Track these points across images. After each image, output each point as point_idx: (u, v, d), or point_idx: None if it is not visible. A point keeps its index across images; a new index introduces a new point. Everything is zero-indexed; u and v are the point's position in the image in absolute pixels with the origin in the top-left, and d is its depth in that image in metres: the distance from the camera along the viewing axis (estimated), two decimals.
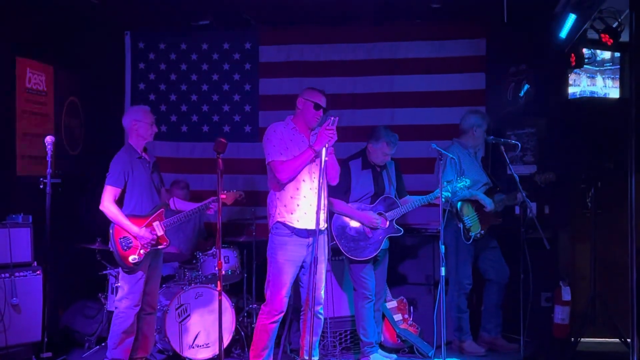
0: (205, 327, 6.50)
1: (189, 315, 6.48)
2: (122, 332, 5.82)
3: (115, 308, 5.91)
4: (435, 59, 8.08)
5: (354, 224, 6.42)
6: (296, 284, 5.76)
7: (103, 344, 6.75)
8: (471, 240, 6.70)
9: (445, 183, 6.14)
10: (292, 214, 5.55)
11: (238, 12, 7.78)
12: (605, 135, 6.96)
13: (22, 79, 7.01)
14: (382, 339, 6.87)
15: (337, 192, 6.22)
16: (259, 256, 6.99)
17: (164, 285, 6.82)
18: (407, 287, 7.45)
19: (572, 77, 7.26)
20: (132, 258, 5.75)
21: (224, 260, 6.86)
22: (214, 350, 6.43)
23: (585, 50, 6.65)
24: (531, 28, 7.32)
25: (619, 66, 7.20)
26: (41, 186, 6.16)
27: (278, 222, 5.59)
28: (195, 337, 6.47)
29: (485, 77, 7.97)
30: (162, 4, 7.47)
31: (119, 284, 6.07)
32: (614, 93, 7.21)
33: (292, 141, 5.61)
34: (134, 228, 5.76)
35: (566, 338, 6.93)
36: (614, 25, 6.34)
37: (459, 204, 6.71)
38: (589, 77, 7.10)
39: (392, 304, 6.99)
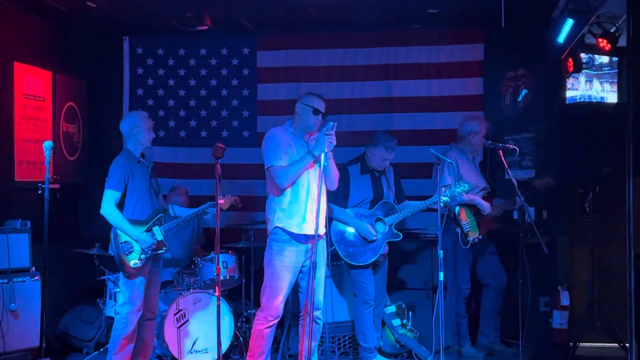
0: (204, 332, 6.50)
1: (187, 320, 6.47)
2: (123, 338, 5.78)
3: (117, 314, 5.87)
4: (433, 64, 8.08)
5: (353, 229, 6.42)
6: (295, 289, 5.76)
7: (101, 350, 6.75)
8: (469, 245, 6.70)
9: (443, 188, 6.15)
10: (291, 219, 5.55)
11: (236, 17, 7.78)
12: (603, 140, 6.97)
13: (20, 85, 7.01)
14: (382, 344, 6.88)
15: (336, 197, 6.22)
16: (258, 261, 6.98)
17: (162, 291, 6.81)
18: (406, 292, 7.45)
19: (570, 81, 7.26)
20: (133, 263, 5.74)
21: (223, 266, 6.86)
22: (212, 355, 6.42)
23: (582, 55, 6.66)
24: (529, 33, 7.34)
25: (617, 70, 7.21)
26: (39, 192, 6.16)
27: (277, 227, 5.58)
28: (194, 343, 6.46)
29: (483, 82, 7.97)
30: (160, 10, 7.47)
31: (119, 290, 6.05)
32: (612, 97, 7.21)
33: (291, 146, 5.61)
34: (135, 232, 5.75)
35: (565, 343, 6.93)
36: (612, 30, 6.35)
37: (457, 208, 6.71)
38: (587, 81, 7.11)
39: (390, 309, 6.99)
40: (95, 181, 6.15)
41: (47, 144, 5.83)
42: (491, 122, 7.21)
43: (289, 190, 5.55)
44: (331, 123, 5.37)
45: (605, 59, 7.05)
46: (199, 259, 6.91)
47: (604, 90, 7.24)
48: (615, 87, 7.27)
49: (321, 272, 5.66)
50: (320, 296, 5.69)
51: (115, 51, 8.45)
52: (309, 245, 5.55)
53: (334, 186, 5.74)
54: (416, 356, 6.79)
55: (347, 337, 6.97)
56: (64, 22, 7.65)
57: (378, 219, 6.46)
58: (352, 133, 7.87)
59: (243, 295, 7.24)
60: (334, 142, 5.38)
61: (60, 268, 7.13)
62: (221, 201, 5.67)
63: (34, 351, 6.23)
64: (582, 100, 7.09)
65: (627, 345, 5.62)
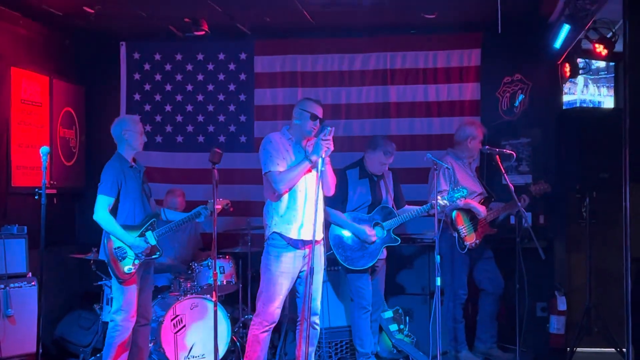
0: (201, 338, 6.49)
1: (184, 326, 6.46)
2: (118, 346, 5.74)
3: (112, 321, 5.83)
4: (430, 70, 8.09)
5: (351, 233, 6.42)
6: (292, 295, 5.75)
7: (98, 355, 6.72)
8: (466, 249, 6.70)
9: (439, 198, 6.14)
10: (288, 224, 5.55)
11: (233, 23, 7.79)
12: (600, 145, 6.98)
13: (18, 90, 7.02)
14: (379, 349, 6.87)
15: (334, 201, 6.23)
16: (255, 267, 6.98)
17: (159, 296, 6.81)
18: (403, 297, 7.45)
19: (566, 86, 7.28)
20: (127, 268, 5.72)
21: (220, 271, 6.84)
22: None
23: (579, 60, 6.68)
24: (526, 38, 7.36)
25: (613, 74, 7.23)
26: (36, 197, 6.14)
27: (274, 232, 5.58)
28: (191, 348, 6.45)
29: (480, 88, 7.99)
30: (157, 15, 7.47)
31: (113, 296, 6.03)
32: (609, 101, 7.24)
33: (288, 151, 5.61)
34: (128, 238, 5.73)
35: (562, 348, 6.93)
36: (608, 36, 6.37)
37: (454, 213, 6.71)
38: (584, 84, 7.13)
39: (388, 314, 6.99)
40: (92, 186, 6.12)
41: (44, 149, 5.81)
42: (488, 127, 7.22)
43: (286, 196, 5.55)
44: (328, 128, 5.38)
45: (602, 63, 7.08)
46: (195, 264, 6.90)
47: (600, 95, 7.26)
48: (612, 91, 7.30)
49: (319, 277, 5.66)
50: (317, 301, 5.68)
51: (112, 56, 8.44)
52: (307, 250, 5.56)
53: (331, 191, 5.74)
54: None
55: (344, 342, 6.96)
56: (61, 28, 7.66)
57: (376, 224, 6.46)
58: (350, 138, 7.89)
59: (240, 301, 7.24)
60: (331, 148, 5.39)
61: (57, 273, 7.12)
62: (219, 206, 5.67)
63: (30, 357, 6.23)
64: (579, 104, 7.12)
65: (624, 350, 5.62)
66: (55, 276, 7.09)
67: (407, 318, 7.10)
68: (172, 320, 6.41)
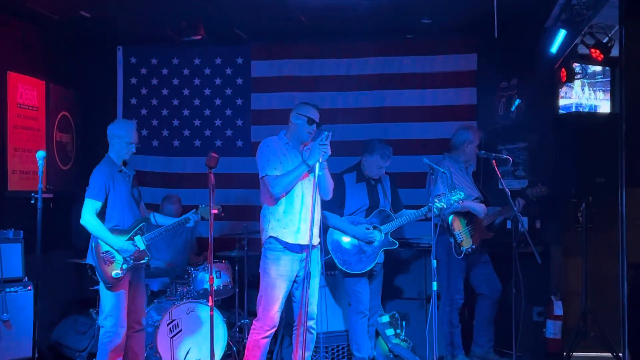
0: (197, 342, 6.48)
1: (180, 330, 6.45)
2: (110, 352, 5.72)
3: (102, 327, 5.79)
4: (426, 74, 8.11)
5: (349, 237, 6.42)
6: (289, 299, 5.75)
7: None
8: (462, 254, 6.70)
9: (436, 200, 6.14)
10: (285, 228, 5.55)
11: (230, 27, 7.79)
12: (596, 150, 6.99)
13: (14, 94, 7.00)
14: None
15: (332, 205, 6.22)
16: (251, 271, 6.98)
17: (155, 301, 6.80)
18: (399, 301, 7.44)
19: (562, 89, 7.29)
20: (114, 273, 5.68)
21: (216, 275, 6.84)
22: None
23: (575, 65, 6.70)
24: (522, 43, 7.37)
25: (609, 78, 7.24)
26: (32, 201, 6.13)
27: (271, 236, 5.58)
28: (187, 353, 6.44)
29: (477, 92, 8.01)
30: (154, 19, 7.48)
31: (101, 302, 5.91)
32: (605, 105, 7.25)
33: (285, 156, 5.61)
34: (116, 242, 5.70)
35: (558, 352, 6.93)
36: (605, 41, 6.38)
37: (450, 217, 6.71)
38: (581, 88, 7.15)
39: (384, 318, 6.98)
40: None
41: (40, 153, 5.81)
42: (484, 131, 7.24)
43: (283, 200, 5.55)
44: (326, 133, 5.39)
45: (598, 67, 7.10)
46: (192, 269, 6.89)
47: (596, 98, 7.28)
48: (608, 95, 7.31)
49: (315, 282, 5.66)
50: (314, 306, 5.68)
51: (109, 61, 8.45)
52: (304, 254, 5.55)
53: (328, 196, 5.74)
54: None
55: (341, 347, 6.95)
56: (58, 32, 7.65)
57: (374, 227, 6.45)
58: (346, 143, 7.88)
59: (237, 305, 7.23)
60: (329, 152, 5.39)
61: (53, 278, 7.10)
62: (215, 211, 5.66)
63: None
64: (575, 109, 7.13)
65: (621, 355, 5.63)
66: (51, 281, 7.06)
67: (404, 322, 7.09)
68: (168, 324, 6.40)
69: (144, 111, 8.51)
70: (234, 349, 6.80)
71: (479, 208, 6.72)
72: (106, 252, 5.71)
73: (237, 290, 7.16)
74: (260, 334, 5.60)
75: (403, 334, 7.03)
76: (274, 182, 5.50)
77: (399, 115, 8.13)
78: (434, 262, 5.61)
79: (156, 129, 8.48)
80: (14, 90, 7.00)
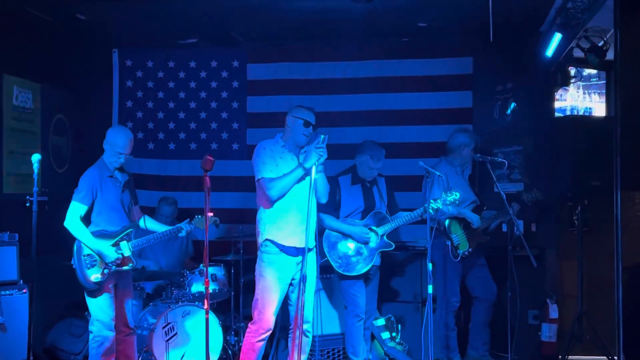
0: (193, 345, 6.47)
1: (176, 334, 6.44)
2: (100, 356, 5.70)
3: (90, 332, 5.78)
4: (422, 77, 8.12)
5: (346, 239, 6.41)
6: (284, 302, 5.74)
7: None
8: (459, 257, 6.70)
9: (432, 201, 6.14)
10: (281, 231, 5.55)
11: (226, 30, 7.80)
12: (591, 153, 7.00)
13: (9, 97, 6.99)
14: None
15: (328, 208, 6.21)
16: (247, 274, 6.97)
17: (150, 304, 6.79)
18: (395, 304, 7.44)
19: (558, 92, 7.30)
20: (94, 277, 5.65)
21: (211, 279, 6.83)
22: None
23: (571, 68, 6.71)
24: (517, 47, 7.38)
25: (604, 81, 7.26)
26: (27, 204, 6.12)
27: (267, 239, 5.58)
28: (183, 356, 6.43)
29: (472, 95, 8.01)
30: (149, 22, 7.47)
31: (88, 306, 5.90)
32: (600, 108, 7.26)
33: (281, 159, 5.61)
34: (97, 246, 5.66)
35: (554, 355, 6.94)
36: (600, 44, 6.39)
37: (447, 221, 6.72)
38: (576, 90, 7.17)
39: (380, 321, 6.98)
40: None
41: (36, 156, 5.80)
42: (480, 135, 7.24)
43: (279, 203, 5.55)
44: (322, 136, 5.38)
45: (593, 70, 7.11)
46: (187, 272, 6.88)
47: (592, 101, 7.29)
48: (603, 98, 7.33)
49: (311, 285, 5.65)
50: (309, 309, 5.68)
51: (104, 63, 8.44)
52: (300, 257, 5.55)
53: (325, 199, 5.74)
54: None
55: (337, 350, 6.95)
56: (54, 35, 7.64)
57: (370, 229, 6.45)
58: (342, 146, 7.86)
59: (232, 308, 7.22)
60: (325, 155, 5.39)
61: (48, 281, 7.05)
62: (210, 213, 5.65)
63: None
64: (570, 111, 7.14)
65: (616, 358, 5.63)
66: (46, 284, 7.01)
67: (399, 326, 7.08)
68: (163, 327, 6.39)
69: (139, 114, 8.50)
70: (230, 352, 6.79)
71: (475, 219, 6.72)
72: (87, 255, 5.69)
73: (233, 293, 7.15)
74: (255, 337, 5.59)
75: (399, 337, 7.02)
76: (270, 185, 5.49)
77: (395, 118, 8.13)
78: (430, 265, 5.61)
79: (152, 132, 8.47)
80: (9, 93, 6.99)
